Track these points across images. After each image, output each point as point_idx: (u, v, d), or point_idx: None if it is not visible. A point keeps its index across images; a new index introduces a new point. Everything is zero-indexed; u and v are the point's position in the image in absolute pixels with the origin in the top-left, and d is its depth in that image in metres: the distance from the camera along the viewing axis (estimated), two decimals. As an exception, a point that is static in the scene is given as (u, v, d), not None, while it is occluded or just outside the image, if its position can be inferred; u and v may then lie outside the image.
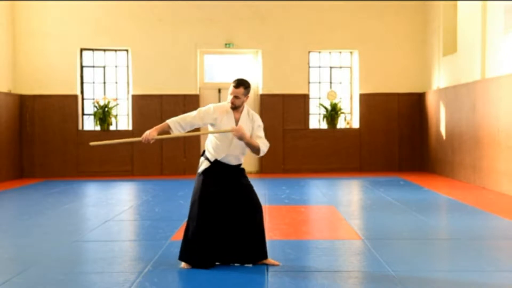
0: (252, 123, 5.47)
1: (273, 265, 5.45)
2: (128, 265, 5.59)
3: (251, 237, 5.41)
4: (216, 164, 5.43)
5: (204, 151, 5.58)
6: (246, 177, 5.58)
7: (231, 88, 5.40)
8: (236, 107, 5.42)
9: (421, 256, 5.89)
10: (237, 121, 5.43)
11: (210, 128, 5.49)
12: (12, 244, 6.65)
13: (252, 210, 5.43)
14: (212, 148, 5.46)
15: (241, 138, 5.29)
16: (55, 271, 5.37)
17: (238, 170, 5.53)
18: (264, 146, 5.43)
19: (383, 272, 5.25)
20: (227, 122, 5.41)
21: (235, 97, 5.39)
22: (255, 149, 5.39)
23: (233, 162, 5.47)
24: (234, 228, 5.41)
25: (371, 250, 6.08)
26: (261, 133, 5.50)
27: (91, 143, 5.70)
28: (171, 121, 5.40)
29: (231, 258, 5.47)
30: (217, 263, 5.46)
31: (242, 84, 5.41)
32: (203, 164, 5.47)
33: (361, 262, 5.75)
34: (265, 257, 5.49)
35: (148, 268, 5.40)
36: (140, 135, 5.45)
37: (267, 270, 5.30)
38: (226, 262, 5.47)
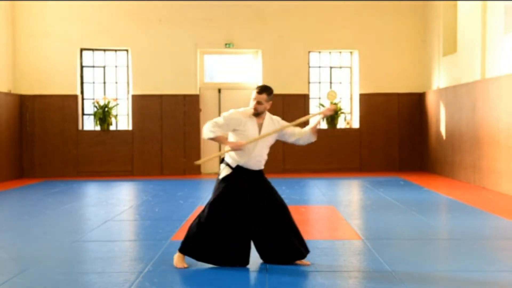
0: (278, 126, 5.58)
1: (305, 265, 5.46)
2: (128, 265, 5.59)
3: (280, 238, 5.41)
4: (237, 170, 5.45)
5: (223, 158, 5.56)
6: (267, 180, 5.61)
7: (254, 94, 5.45)
8: (258, 113, 5.47)
9: (421, 256, 5.89)
10: (260, 127, 5.49)
11: (232, 135, 5.46)
12: (12, 244, 6.65)
13: (276, 210, 5.45)
14: (235, 153, 5.45)
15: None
16: (55, 271, 5.37)
17: (259, 175, 5.57)
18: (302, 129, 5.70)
19: (383, 272, 5.25)
20: (251, 127, 5.45)
21: (258, 103, 5.43)
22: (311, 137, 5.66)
23: (254, 167, 5.51)
24: (261, 230, 5.40)
25: (371, 250, 6.08)
26: (287, 123, 5.68)
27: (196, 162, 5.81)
28: (210, 131, 5.37)
29: (266, 258, 5.47)
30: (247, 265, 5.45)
31: (265, 90, 5.48)
32: (224, 171, 5.46)
33: (361, 262, 5.75)
34: (301, 256, 5.47)
35: (148, 268, 5.40)
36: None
37: (267, 270, 5.30)
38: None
